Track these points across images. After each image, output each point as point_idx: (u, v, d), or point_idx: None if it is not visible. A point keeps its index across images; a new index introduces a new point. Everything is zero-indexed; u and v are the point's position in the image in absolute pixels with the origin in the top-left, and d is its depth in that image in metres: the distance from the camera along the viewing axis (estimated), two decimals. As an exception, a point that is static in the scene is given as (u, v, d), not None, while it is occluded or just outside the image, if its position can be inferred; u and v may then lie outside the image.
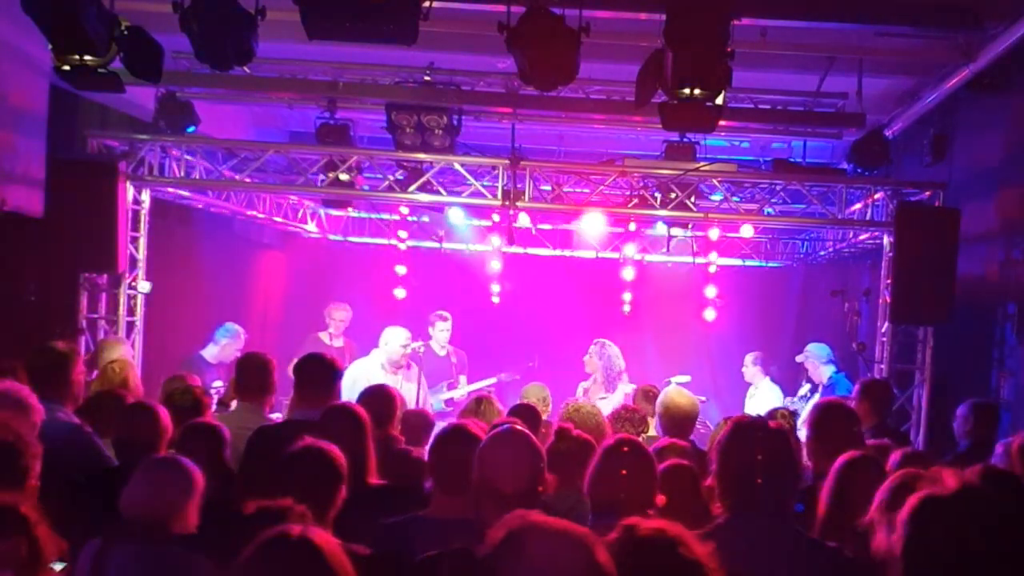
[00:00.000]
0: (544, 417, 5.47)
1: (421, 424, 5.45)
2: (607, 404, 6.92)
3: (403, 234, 10.60)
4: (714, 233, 9.30)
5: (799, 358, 8.41)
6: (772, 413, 5.56)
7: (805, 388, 8.40)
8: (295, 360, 5.32)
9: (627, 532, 2.08)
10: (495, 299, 10.26)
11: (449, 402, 8.52)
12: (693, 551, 2.07)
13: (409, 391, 7.40)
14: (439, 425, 7.42)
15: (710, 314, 10.02)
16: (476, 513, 2.88)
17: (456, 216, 9.66)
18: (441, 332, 8.74)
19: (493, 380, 8.87)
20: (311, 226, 10.52)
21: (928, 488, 2.03)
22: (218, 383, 6.89)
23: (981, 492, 2.03)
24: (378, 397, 4.81)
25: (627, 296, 10.32)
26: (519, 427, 3.17)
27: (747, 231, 9.82)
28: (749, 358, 8.83)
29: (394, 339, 7.73)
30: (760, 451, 2.92)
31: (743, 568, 2.66)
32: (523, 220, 9.28)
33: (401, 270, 10.40)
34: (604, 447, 3.34)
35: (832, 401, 4.76)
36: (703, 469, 3.89)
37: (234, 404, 5.14)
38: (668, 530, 2.11)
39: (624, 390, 7.60)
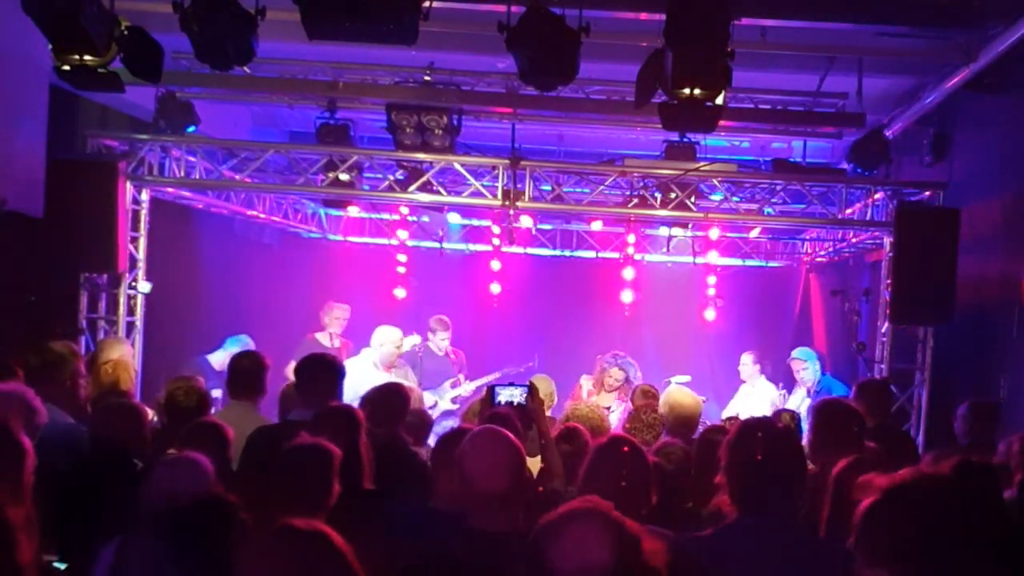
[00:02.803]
0: (547, 412, 5.48)
1: (419, 423, 5.44)
2: (613, 416, 6.96)
3: (403, 234, 10.60)
4: (714, 233, 9.32)
5: (795, 365, 8.40)
6: (778, 415, 5.57)
7: (801, 392, 8.37)
8: (293, 362, 5.30)
9: None
10: (495, 299, 10.26)
11: (456, 400, 8.58)
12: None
13: None
14: (444, 423, 7.44)
15: (710, 314, 10.03)
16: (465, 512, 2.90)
17: (451, 216, 9.67)
18: (442, 341, 8.79)
19: (497, 375, 8.91)
20: (311, 226, 10.54)
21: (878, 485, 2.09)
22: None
23: (931, 481, 2.08)
24: (390, 395, 4.81)
25: (627, 296, 10.32)
26: (498, 427, 3.15)
27: (752, 234, 9.82)
28: (747, 357, 8.84)
29: (387, 339, 7.77)
30: (767, 452, 2.94)
31: (752, 567, 2.68)
32: (525, 220, 9.30)
33: (401, 270, 10.40)
34: (597, 445, 3.34)
35: (835, 401, 4.75)
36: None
37: (217, 393, 5.12)
38: None
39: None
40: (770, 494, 2.90)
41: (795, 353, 8.48)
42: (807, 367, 8.30)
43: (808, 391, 8.22)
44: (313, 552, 1.94)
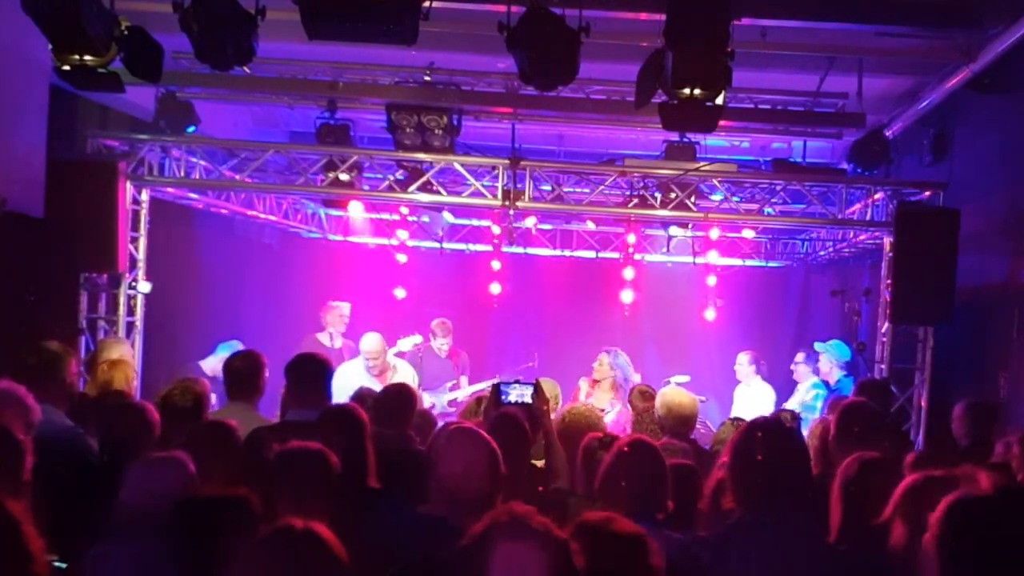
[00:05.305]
0: (552, 415, 5.47)
1: (423, 424, 5.45)
2: (608, 417, 6.90)
3: (403, 234, 10.61)
4: (714, 233, 9.32)
5: (819, 346, 8.34)
6: (777, 415, 5.56)
7: (812, 381, 8.30)
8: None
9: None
10: (495, 299, 10.27)
11: (452, 403, 8.55)
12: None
13: None
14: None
15: (710, 314, 10.03)
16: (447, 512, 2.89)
17: (445, 215, 9.66)
18: (443, 345, 8.78)
19: (496, 381, 8.87)
20: (311, 226, 10.54)
21: (964, 488, 2.05)
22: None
23: (1017, 493, 2.06)
24: (397, 396, 4.82)
25: (627, 296, 10.34)
26: (472, 427, 3.13)
27: (748, 234, 9.79)
28: (743, 357, 8.81)
29: (366, 348, 7.70)
30: (771, 452, 2.95)
31: (753, 566, 2.68)
32: (529, 220, 9.30)
33: (401, 264, 10.40)
34: (617, 449, 3.34)
35: (858, 402, 4.72)
36: (704, 468, 3.90)
37: (212, 399, 5.10)
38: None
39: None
40: (771, 493, 2.91)
41: (832, 343, 8.36)
42: (821, 360, 8.21)
43: (827, 385, 8.16)
44: (306, 553, 1.94)
